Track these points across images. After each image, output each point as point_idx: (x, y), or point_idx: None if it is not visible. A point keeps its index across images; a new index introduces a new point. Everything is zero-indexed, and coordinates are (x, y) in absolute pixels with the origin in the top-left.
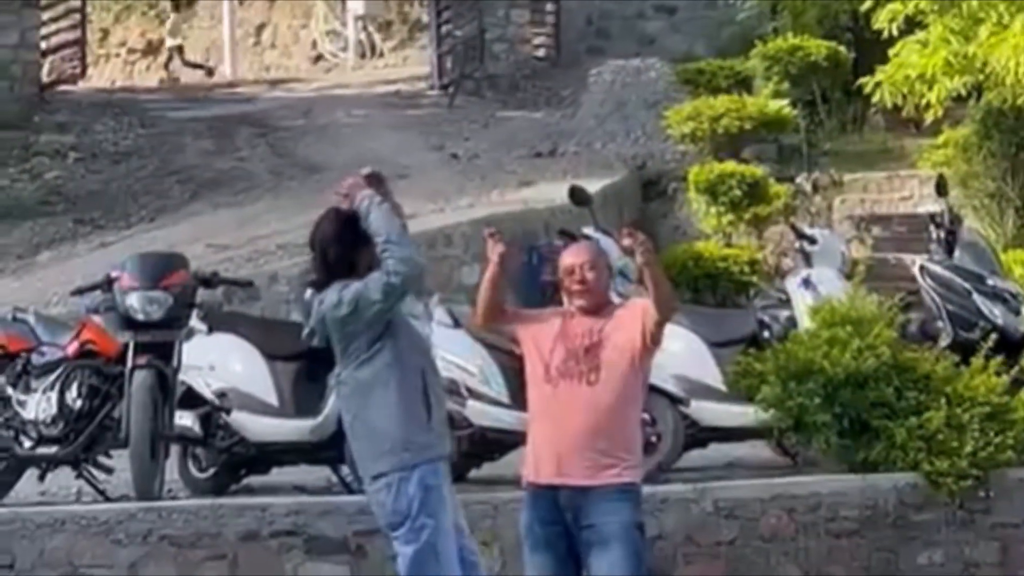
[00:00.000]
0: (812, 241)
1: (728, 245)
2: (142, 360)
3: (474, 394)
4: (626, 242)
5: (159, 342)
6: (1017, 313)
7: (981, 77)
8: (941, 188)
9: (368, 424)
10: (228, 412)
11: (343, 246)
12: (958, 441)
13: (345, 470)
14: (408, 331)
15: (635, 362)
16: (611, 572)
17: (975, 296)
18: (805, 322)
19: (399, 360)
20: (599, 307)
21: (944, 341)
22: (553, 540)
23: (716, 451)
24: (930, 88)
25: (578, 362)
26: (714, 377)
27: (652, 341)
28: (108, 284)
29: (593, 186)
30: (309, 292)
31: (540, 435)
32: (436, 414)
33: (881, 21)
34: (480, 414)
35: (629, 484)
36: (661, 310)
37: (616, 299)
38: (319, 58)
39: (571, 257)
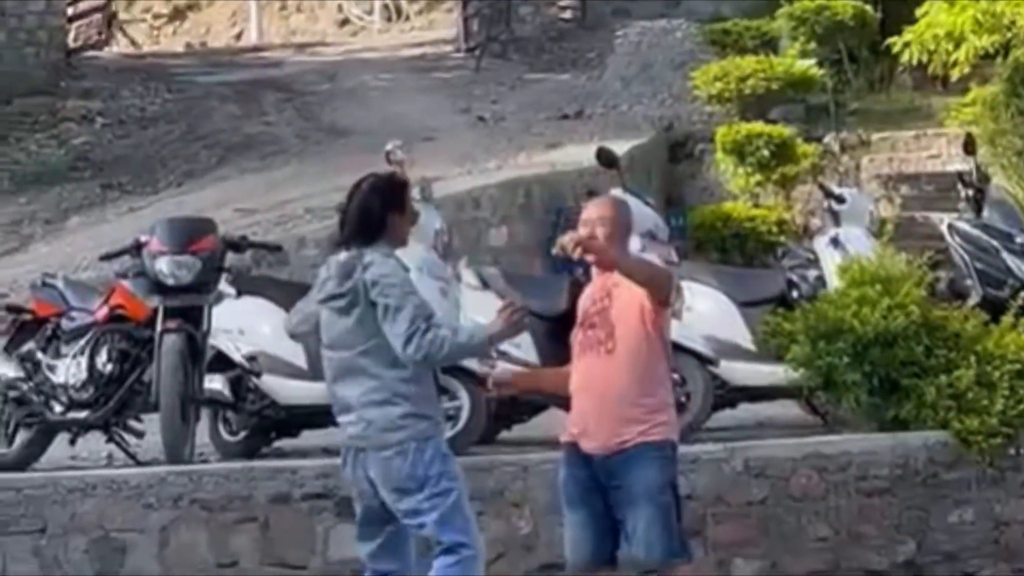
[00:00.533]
0: (840, 200)
1: (756, 205)
2: (172, 324)
3: (503, 356)
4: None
5: (188, 306)
6: None
7: (1009, 35)
8: (969, 146)
9: (390, 395)
10: (258, 375)
11: (382, 208)
12: (988, 399)
13: None
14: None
15: (646, 322)
16: (640, 531)
17: (1004, 254)
18: (834, 281)
19: None
20: (613, 264)
21: (973, 299)
22: (587, 498)
23: (746, 411)
24: (957, 46)
25: (595, 328)
26: (743, 337)
27: (659, 303)
28: (137, 249)
29: (620, 148)
30: (345, 254)
31: (575, 399)
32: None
33: None
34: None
35: (657, 442)
36: (652, 294)
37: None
38: (345, 22)
39: (586, 212)
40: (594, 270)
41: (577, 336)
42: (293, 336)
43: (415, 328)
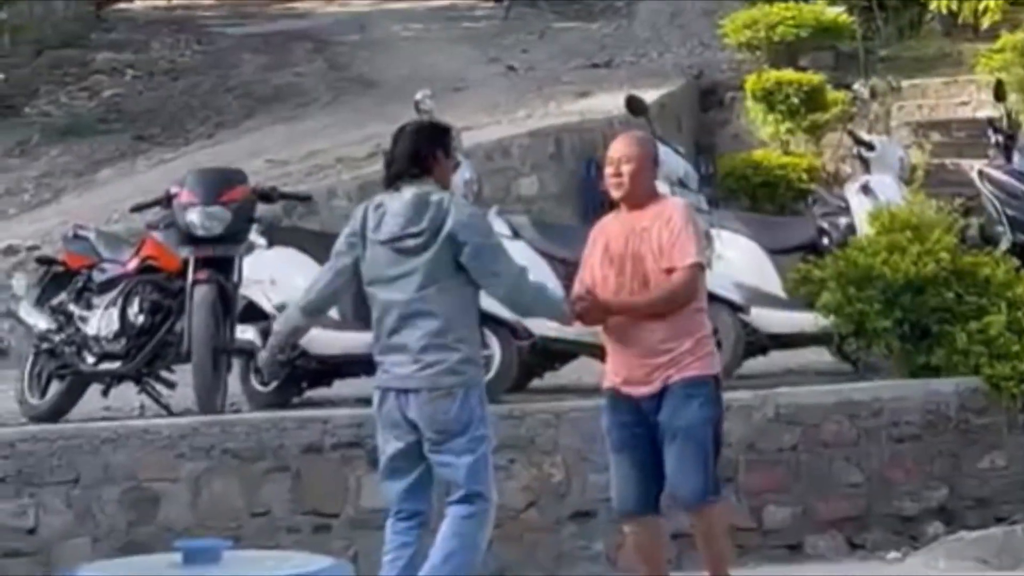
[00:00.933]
0: (870, 148)
1: (786, 153)
2: (203, 275)
3: None
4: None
5: (219, 257)
6: None
7: None
8: (999, 93)
9: (449, 339)
10: None
11: (430, 149)
12: (1019, 344)
13: None
14: None
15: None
16: (675, 469)
17: None
18: (864, 228)
19: (473, 283)
20: (639, 203)
21: (1004, 245)
22: (632, 443)
23: (777, 358)
24: None
25: (625, 274)
26: (774, 284)
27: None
28: (168, 200)
29: (650, 96)
30: (410, 192)
31: (609, 348)
32: None
33: None
34: (541, 324)
35: (696, 378)
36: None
37: (665, 197)
38: None
39: (612, 149)
40: (619, 219)
41: (607, 275)
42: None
43: (511, 267)
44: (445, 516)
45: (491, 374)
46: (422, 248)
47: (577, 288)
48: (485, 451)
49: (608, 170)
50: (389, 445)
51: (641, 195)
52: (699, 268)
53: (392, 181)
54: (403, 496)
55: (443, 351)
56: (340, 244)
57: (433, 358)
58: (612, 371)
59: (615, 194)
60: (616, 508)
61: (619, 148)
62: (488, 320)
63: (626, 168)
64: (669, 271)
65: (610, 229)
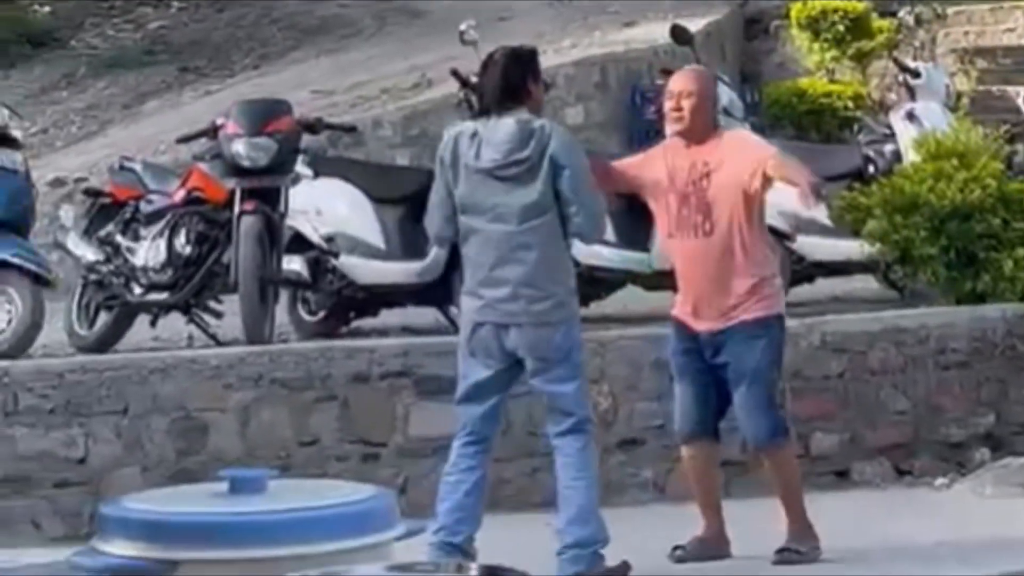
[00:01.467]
0: (916, 75)
1: (831, 81)
2: (249, 206)
3: None
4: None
5: (266, 188)
6: None
7: None
8: None
9: (551, 272)
10: (336, 256)
11: (523, 76)
12: None
13: (453, 311)
14: None
15: (745, 202)
16: (745, 411)
17: None
18: (910, 156)
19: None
20: (700, 138)
21: None
22: (695, 372)
23: (823, 286)
24: None
25: (690, 209)
26: (820, 212)
27: (763, 189)
28: (214, 131)
29: (695, 25)
30: (511, 119)
31: (678, 279)
32: None
33: None
34: (587, 253)
35: (762, 319)
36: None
37: (723, 130)
38: None
39: (672, 83)
40: (676, 140)
41: (670, 202)
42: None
43: (596, 200)
44: (557, 448)
45: None
46: (527, 176)
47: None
48: (583, 377)
49: (668, 104)
50: (476, 372)
51: (701, 130)
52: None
53: (486, 111)
54: (477, 421)
55: (546, 285)
56: (436, 171)
57: (537, 292)
58: (681, 300)
59: (675, 128)
60: (677, 430)
61: (680, 82)
62: None
63: (686, 103)
64: (743, 199)
65: (675, 160)
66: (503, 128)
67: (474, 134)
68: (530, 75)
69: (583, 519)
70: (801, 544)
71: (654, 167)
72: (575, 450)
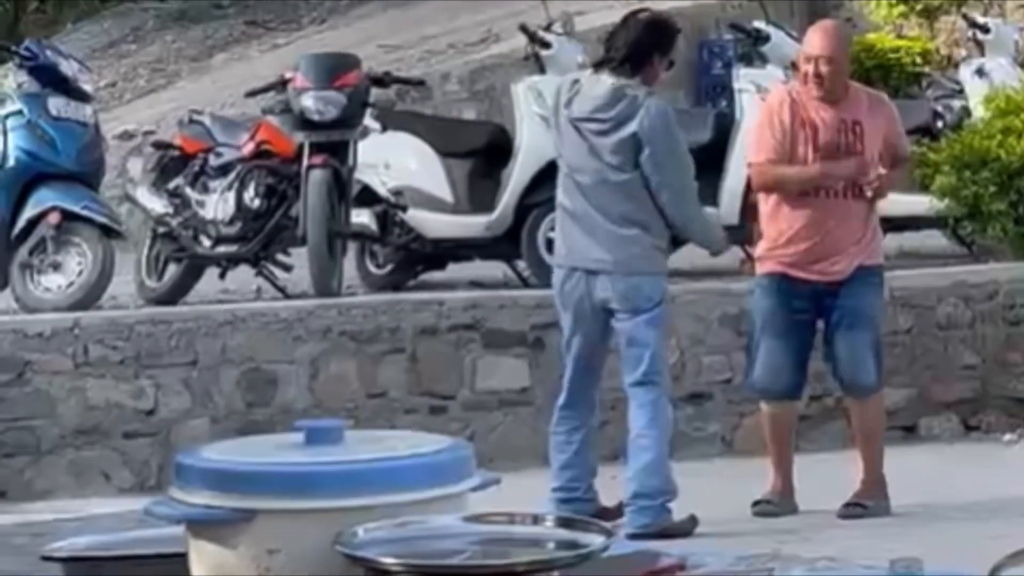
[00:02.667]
0: (985, 30)
1: (899, 36)
2: (317, 160)
3: None
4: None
5: (334, 141)
6: None
7: None
8: None
9: (641, 223)
10: (404, 209)
11: (651, 47)
12: None
13: (521, 264)
14: None
15: (882, 158)
16: (853, 355)
17: None
18: (979, 111)
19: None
20: (838, 98)
21: None
22: (795, 328)
23: (891, 240)
24: None
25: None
26: None
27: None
28: (282, 85)
29: None
30: (612, 80)
31: (785, 232)
32: None
33: None
34: None
35: (875, 266)
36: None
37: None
38: None
39: (810, 46)
40: (814, 105)
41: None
42: None
43: (682, 179)
44: (630, 396)
45: None
46: (605, 137)
47: (755, 155)
48: (663, 333)
49: (806, 67)
50: (568, 324)
51: (840, 90)
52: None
53: (599, 65)
54: (576, 377)
55: (632, 237)
56: None
57: (623, 243)
58: (785, 255)
59: (815, 93)
60: (761, 387)
61: (817, 45)
62: None
63: (825, 68)
64: (894, 160)
65: (818, 116)
66: (600, 86)
67: (575, 82)
68: (656, 51)
69: (651, 469)
70: (869, 499)
71: (793, 133)
72: (648, 400)
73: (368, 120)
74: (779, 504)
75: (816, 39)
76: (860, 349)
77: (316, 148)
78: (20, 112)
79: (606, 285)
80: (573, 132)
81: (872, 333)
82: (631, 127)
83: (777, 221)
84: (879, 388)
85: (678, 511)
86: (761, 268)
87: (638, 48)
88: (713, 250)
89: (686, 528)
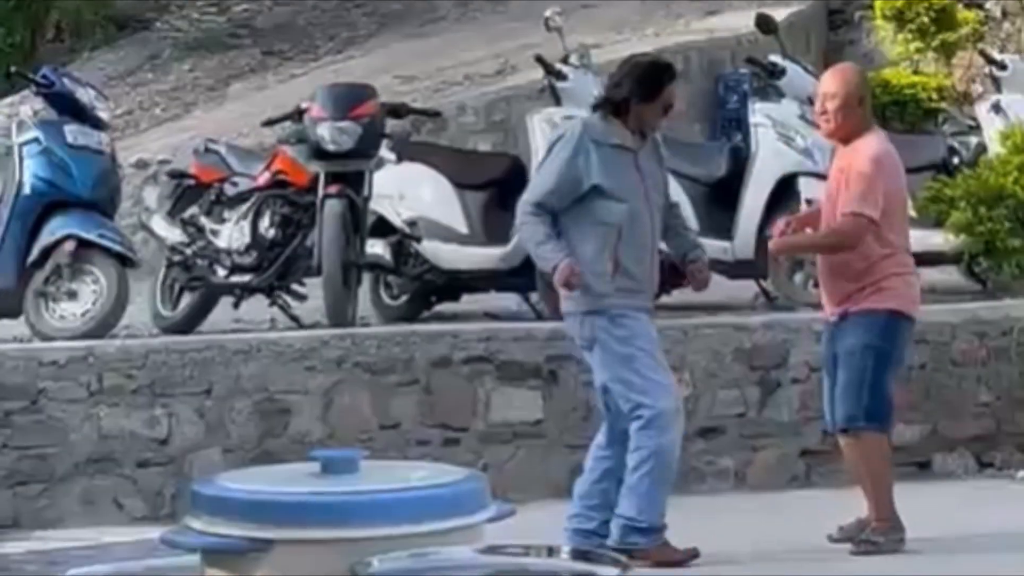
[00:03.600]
0: (1002, 67)
1: (916, 72)
2: (333, 190)
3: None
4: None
5: (350, 172)
6: None
7: None
8: None
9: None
10: (419, 240)
11: (629, 90)
12: None
13: (535, 296)
14: None
15: None
16: (836, 389)
17: None
18: (995, 147)
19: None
20: (846, 138)
21: None
22: (830, 365)
23: None
24: None
25: (832, 206)
26: None
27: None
28: (298, 115)
29: (779, 14)
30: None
31: (821, 274)
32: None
33: None
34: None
35: (867, 309)
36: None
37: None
38: None
39: (821, 84)
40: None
41: (825, 207)
42: None
43: (530, 189)
44: None
45: None
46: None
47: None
48: (623, 364)
49: (816, 105)
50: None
51: (847, 131)
52: (859, 217)
53: (594, 109)
54: (603, 411)
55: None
56: None
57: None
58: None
59: (823, 131)
60: (827, 423)
61: (825, 83)
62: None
63: (831, 105)
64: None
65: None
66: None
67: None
68: (636, 96)
69: (626, 493)
70: (879, 535)
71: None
72: (633, 432)
73: (384, 151)
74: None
75: (825, 78)
76: (839, 386)
77: (332, 178)
78: (36, 139)
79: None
80: None
81: (850, 369)
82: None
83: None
84: (859, 423)
85: (686, 543)
86: None
87: (617, 93)
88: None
89: (684, 558)
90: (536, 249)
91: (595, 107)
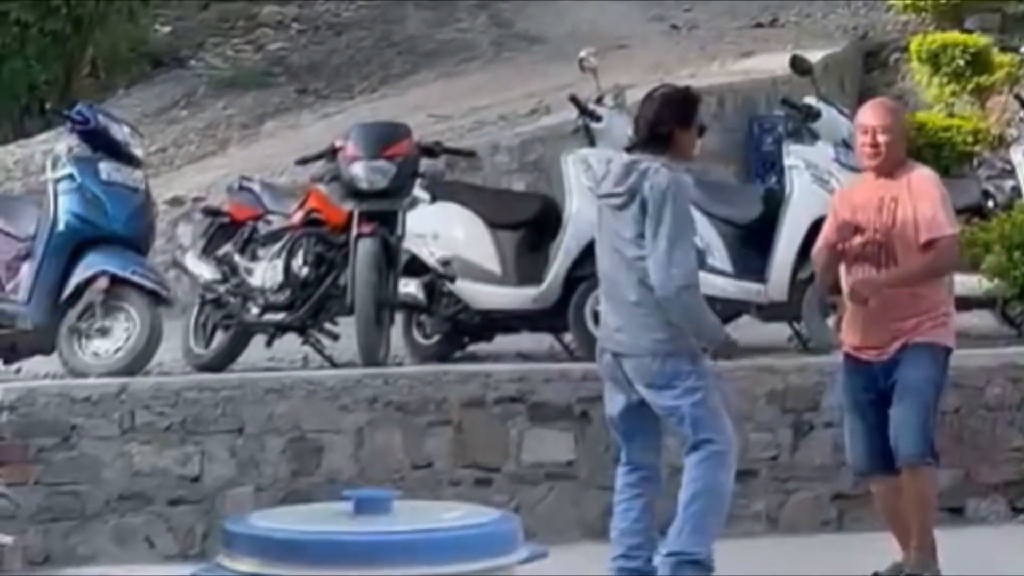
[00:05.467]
0: None
1: (951, 115)
2: (367, 229)
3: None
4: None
5: (383, 211)
6: None
7: None
8: None
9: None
10: (452, 280)
11: (668, 121)
12: None
13: (568, 337)
14: None
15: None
16: (900, 423)
17: None
18: None
19: None
20: (890, 171)
21: None
22: (864, 405)
23: None
24: None
25: (873, 247)
26: None
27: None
28: (332, 154)
29: (814, 56)
30: (627, 157)
31: (848, 312)
32: None
33: None
34: (705, 284)
35: (927, 343)
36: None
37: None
38: None
39: (865, 117)
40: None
41: (853, 242)
42: None
43: (674, 248)
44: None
45: None
46: (619, 208)
47: (815, 253)
48: (702, 399)
49: (863, 139)
50: (612, 399)
51: (894, 164)
52: (954, 237)
53: (630, 150)
54: (631, 451)
55: (649, 318)
56: None
57: (640, 325)
58: (849, 335)
59: (868, 163)
60: (853, 468)
61: (874, 117)
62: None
63: (883, 139)
64: (927, 244)
65: (857, 198)
66: (618, 161)
67: (609, 161)
68: (678, 122)
69: (679, 527)
70: (923, 570)
71: (839, 218)
72: (692, 463)
73: (417, 190)
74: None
75: (872, 112)
76: (906, 420)
77: (365, 217)
78: (71, 176)
79: (630, 367)
80: (601, 211)
81: (917, 403)
82: (640, 194)
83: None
84: (925, 460)
85: None
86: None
87: (658, 125)
88: (704, 340)
89: None
90: (707, 317)
91: (638, 146)
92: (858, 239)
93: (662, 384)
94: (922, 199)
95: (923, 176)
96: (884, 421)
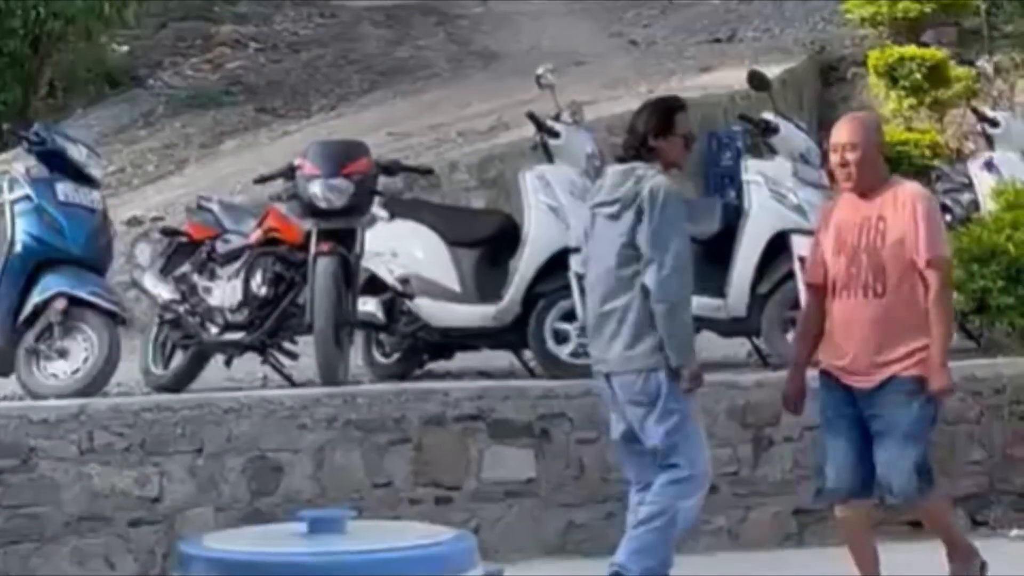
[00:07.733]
0: (994, 124)
1: (909, 129)
2: (325, 247)
3: None
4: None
5: (342, 229)
6: None
7: None
8: None
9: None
10: (411, 298)
11: (645, 132)
12: None
13: (528, 354)
14: None
15: (914, 260)
16: (891, 462)
17: None
18: (988, 204)
19: None
20: (870, 189)
21: None
22: (847, 426)
23: None
24: None
25: (860, 268)
26: None
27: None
28: (291, 172)
29: (772, 71)
30: (621, 166)
31: (834, 336)
32: None
33: None
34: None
35: (919, 377)
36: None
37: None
38: None
39: (835, 135)
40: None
41: (839, 265)
42: None
43: (674, 262)
44: None
45: None
46: (613, 217)
47: (809, 274)
48: (677, 425)
49: (833, 157)
50: (613, 420)
51: (870, 181)
52: (947, 259)
53: (622, 158)
54: (639, 469)
55: (638, 331)
56: None
57: (628, 339)
58: (832, 355)
59: (845, 185)
60: (828, 488)
61: (843, 134)
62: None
63: (851, 156)
64: (928, 263)
65: (841, 216)
66: (612, 168)
67: (604, 175)
68: (657, 133)
69: (625, 542)
70: (969, 567)
71: (829, 234)
72: (659, 483)
73: (376, 208)
74: None
75: (841, 128)
76: (900, 463)
77: (324, 236)
78: (28, 197)
79: (617, 384)
80: (595, 220)
81: (914, 447)
82: (637, 202)
83: (829, 318)
84: (927, 497)
85: None
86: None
87: (642, 136)
88: (679, 360)
89: None
90: (690, 336)
91: (628, 157)
92: (842, 262)
93: (644, 401)
94: (913, 216)
95: (910, 191)
96: (863, 442)
